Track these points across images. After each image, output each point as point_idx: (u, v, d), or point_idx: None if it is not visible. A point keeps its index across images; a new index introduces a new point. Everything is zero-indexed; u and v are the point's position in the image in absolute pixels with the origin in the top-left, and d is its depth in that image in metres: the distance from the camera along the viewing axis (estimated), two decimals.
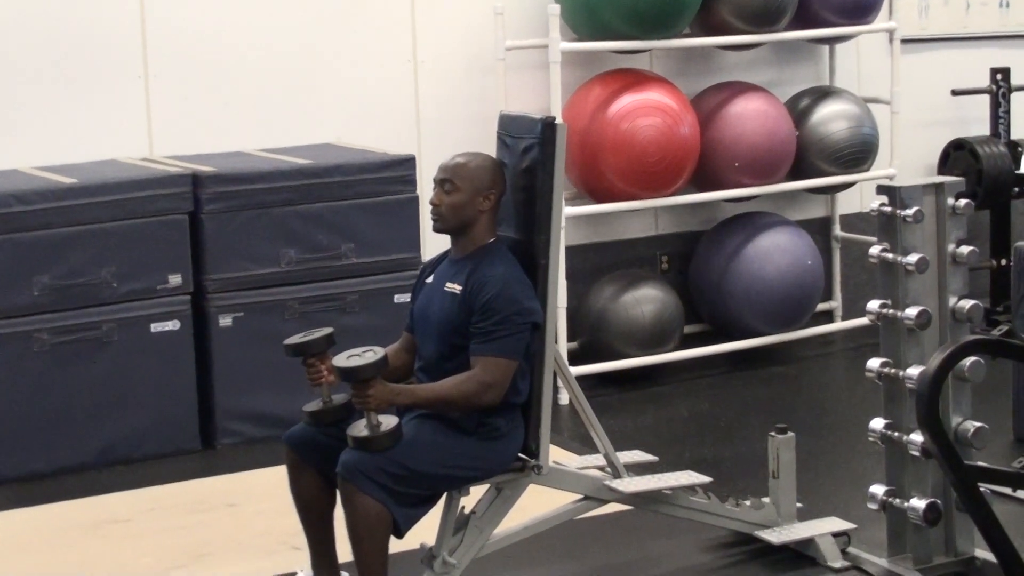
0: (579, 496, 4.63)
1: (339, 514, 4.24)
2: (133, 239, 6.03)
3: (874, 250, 4.44)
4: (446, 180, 4.36)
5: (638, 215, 7.41)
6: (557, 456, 4.91)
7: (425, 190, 6.46)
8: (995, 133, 7.94)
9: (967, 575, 4.56)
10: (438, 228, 4.39)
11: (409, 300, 4.64)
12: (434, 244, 4.56)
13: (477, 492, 4.41)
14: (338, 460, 4.14)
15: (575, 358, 6.87)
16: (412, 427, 4.23)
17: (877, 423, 4.50)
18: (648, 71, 7.21)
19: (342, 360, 4.17)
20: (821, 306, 7.67)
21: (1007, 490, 4.91)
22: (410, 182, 6.48)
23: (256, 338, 6.21)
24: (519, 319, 4.25)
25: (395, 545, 4.24)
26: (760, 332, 7.27)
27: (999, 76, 7.95)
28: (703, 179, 7.14)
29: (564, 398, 6.42)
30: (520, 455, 4.40)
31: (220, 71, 6.66)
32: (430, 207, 4.38)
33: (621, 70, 7.08)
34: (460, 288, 4.32)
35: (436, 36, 7.01)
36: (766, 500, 4.89)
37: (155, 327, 6.08)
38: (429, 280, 4.48)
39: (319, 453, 4.30)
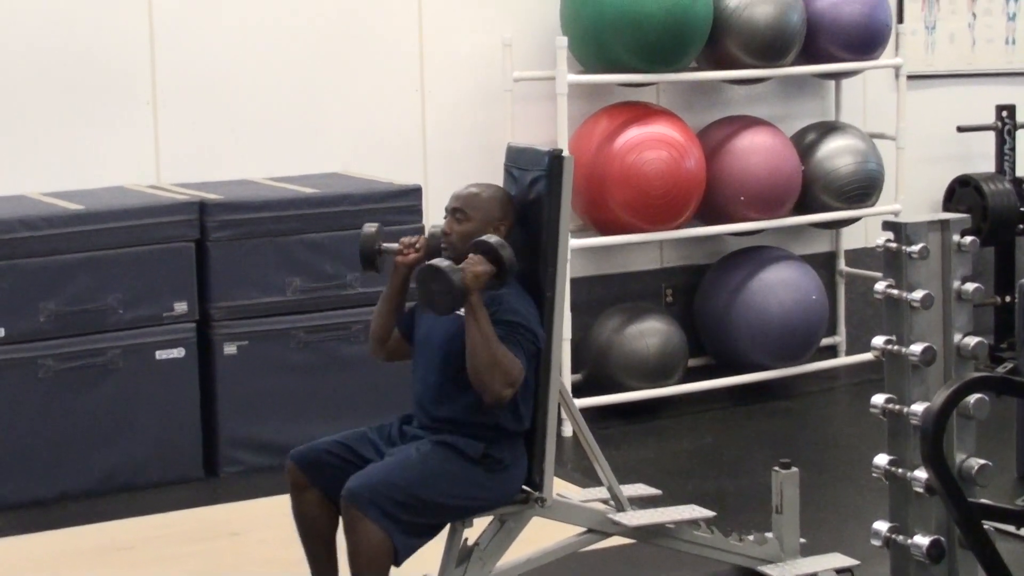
0: (582, 529, 4.63)
1: (341, 541, 4.24)
2: (139, 266, 6.04)
3: (879, 286, 4.43)
4: (458, 210, 4.39)
5: (643, 248, 7.42)
6: (560, 488, 4.90)
7: (431, 220, 6.48)
8: (1000, 170, 7.96)
9: None
10: (448, 256, 4.40)
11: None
12: None
13: (480, 524, 4.40)
14: (342, 482, 4.14)
15: (579, 390, 6.87)
16: (420, 456, 4.23)
17: (881, 459, 4.49)
18: (654, 104, 7.23)
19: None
20: (825, 341, 7.68)
21: (1011, 528, 4.90)
22: (416, 212, 6.49)
23: (261, 367, 6.22)
24: (525, 336, 4.26)
25: None
26: (764, 366, 7.27)
27: (1004, 113, 7.97)
28: (708, 212, 7.15)
29: (568, 430, 6.42)
30: (524, 487, 4.41)
31: (228, 99, 6.69)
32: (441, 235, 4.40)
33: (628, 103, 7.10)
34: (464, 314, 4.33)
35: (444, 67, 7.03)
36: (769, 535, 4.88)
37: (160, 354, 6.08)
38: None
39: (324, 473, 4.31)
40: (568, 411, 4.68)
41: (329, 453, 4.32)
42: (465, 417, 4.31)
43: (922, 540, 4.35)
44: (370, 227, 4.56)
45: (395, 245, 4.50)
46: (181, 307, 6.13)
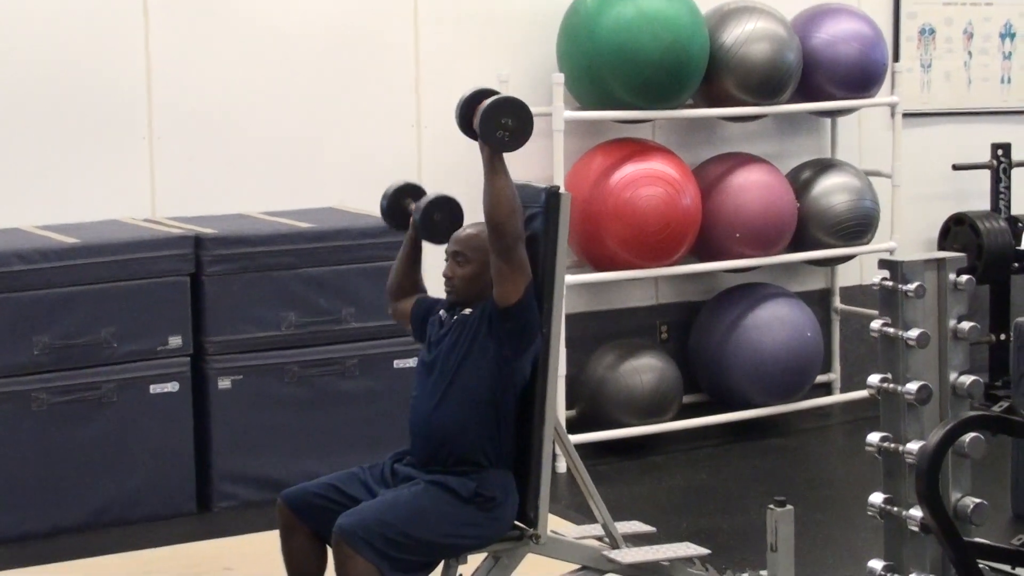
0: (577, 566, 4.60)
1: None
2: (134, 300, 6.03)
3: (875, 324, 4.44)
4: (458, 252, 4.39)
5: (638, 284, 7.42)
6: (555, 525, 4.88)
7: (427, 256, 6.46)
8: (995, 208, 7.97)
9: None
10: (452, 300, 4.41)
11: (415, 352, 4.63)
12: None
13: (474, 560, 4.39)
14: (332, 523, 4.13)
15: (573, 426, 6.85)
16: (411, 495, 4.22)
17: (876, 497, 4.48)
18: (651, 141, 7.25)
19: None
20: (820, 378, 7.67)
21: (1006, 567, 4.89)
22: None
23: (255, 401, 6.21)
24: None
25: None
26: (759, 403, 7.27)
27: (1000, 151, 7.98)
28: (704, 249, 7.16)
29: (562, 466, 6.40)
30: (518, 523, 4.39)
31: (224, 134, 6.69)
32: (443, 279, 4.40)
33: (624, 139, 7.11)
34: (470, 310, 4.36)
35: (440, 102, 7.01)
36: (764, 573, 4.86)
37: (154, 388, 6.07)
38: (442, 314, 4.48)
39: (314, 514, 4.29)
40: (563, 447, 4.66)
41: (319, 495, 4.31)
42: (463, 424, 4.30)
43: None
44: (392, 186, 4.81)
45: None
46: (175, 341, 6.12)
